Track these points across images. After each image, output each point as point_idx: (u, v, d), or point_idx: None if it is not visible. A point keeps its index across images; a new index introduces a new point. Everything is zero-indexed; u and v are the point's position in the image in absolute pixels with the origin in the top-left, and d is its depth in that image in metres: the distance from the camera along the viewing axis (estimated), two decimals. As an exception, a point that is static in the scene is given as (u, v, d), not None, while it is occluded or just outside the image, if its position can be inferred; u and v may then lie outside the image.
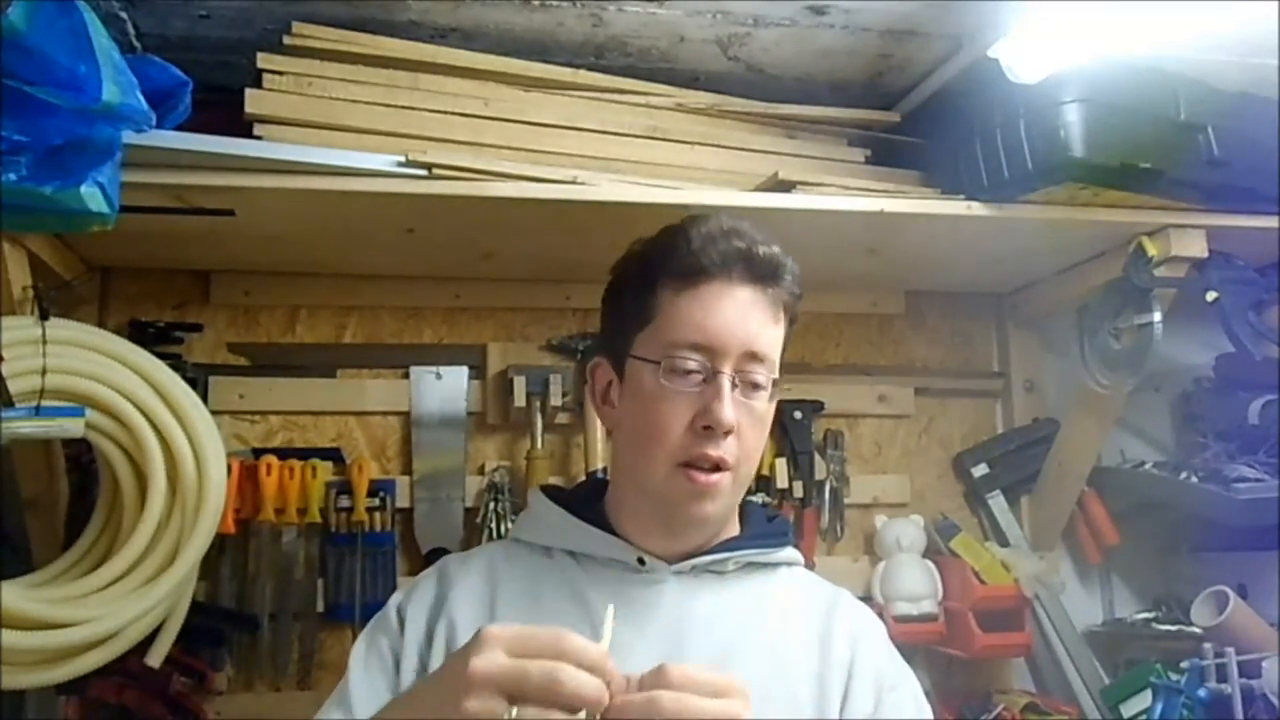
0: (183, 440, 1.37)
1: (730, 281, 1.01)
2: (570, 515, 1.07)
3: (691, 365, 0.99)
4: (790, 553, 1.11)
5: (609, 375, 1.09)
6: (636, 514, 1.05)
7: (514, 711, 0.70)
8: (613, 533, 1.05)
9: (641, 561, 1.03)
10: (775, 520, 1.16)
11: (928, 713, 1.04)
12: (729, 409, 0.97)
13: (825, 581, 1.14)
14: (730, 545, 1.06)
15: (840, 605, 1.08)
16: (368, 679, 0.98)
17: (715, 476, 0.98)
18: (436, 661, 0.98)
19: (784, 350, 1.06)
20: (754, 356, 1.00)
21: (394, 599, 1.07)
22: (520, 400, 1.75)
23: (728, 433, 0.97)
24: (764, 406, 1.02)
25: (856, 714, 0.98)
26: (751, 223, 1.06)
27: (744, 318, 1.00)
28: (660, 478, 1.00)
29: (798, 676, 0.99)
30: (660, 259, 1.05)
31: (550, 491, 1.14)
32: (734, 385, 0.99)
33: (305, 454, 1.72)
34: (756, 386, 1.00)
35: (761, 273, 1.02)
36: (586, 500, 1.10)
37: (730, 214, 1.08)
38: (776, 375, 1.04)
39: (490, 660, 0.72)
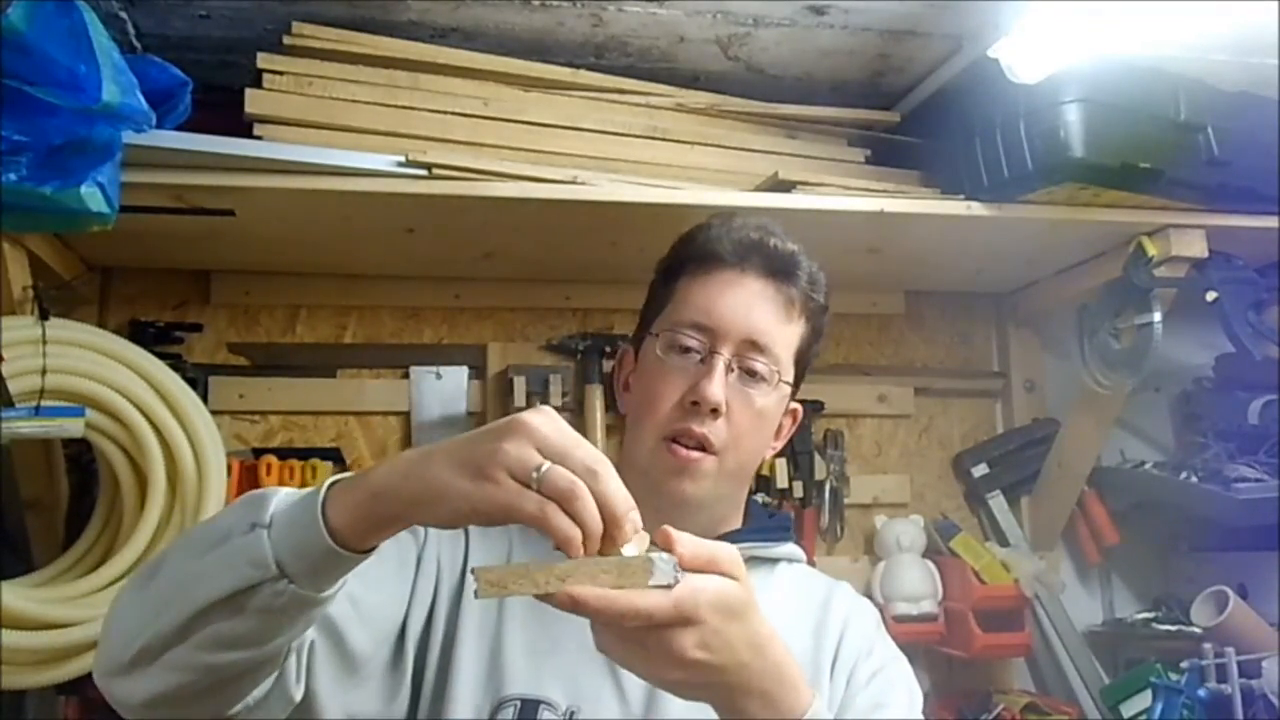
0: (183, 440, 1.37)
1: (743, 271, 1.03)
2: None
3: (690, 343, 1.01)
4: (790, 549, 1.11)
5: (630, 362, 1.11)
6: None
7: (543, 468, 0.69)
8: None
9: None
10: (776, 516, 1.16)
11: (917, 696, 1.02)
12: (718, 387, 0.97)
13: (824, 575, 1.13)
14: (727, 538, 1.05)
15: (835, 596, 1.08)
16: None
17: (696, 454, 0.98)
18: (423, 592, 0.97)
19: (803, 355, 1.06)
20: (754, 345, 1.00)
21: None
22: (520, 400, 1.75)
23: (714, 411, 0.97)
24: (764, 400, 1.01)
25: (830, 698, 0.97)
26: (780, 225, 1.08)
27: (749, 305, 1.01)
28: (647, 451, 1.00)
29: None
30: (683, 249, 1.08)
31: None
32: (730, 370, 0.99)
33: (305, 454, 1.71)
34: (755, 374, 1.00)
35: (775, 266, 1.04)
36: None
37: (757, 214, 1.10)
38: (787, 376, 1.03)
39: (543, 422, 0.71)
